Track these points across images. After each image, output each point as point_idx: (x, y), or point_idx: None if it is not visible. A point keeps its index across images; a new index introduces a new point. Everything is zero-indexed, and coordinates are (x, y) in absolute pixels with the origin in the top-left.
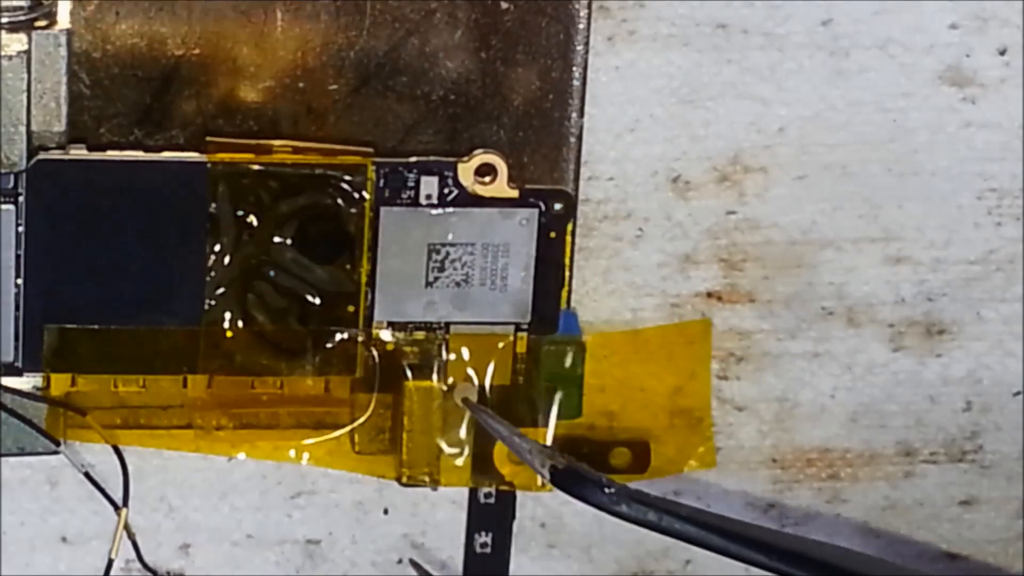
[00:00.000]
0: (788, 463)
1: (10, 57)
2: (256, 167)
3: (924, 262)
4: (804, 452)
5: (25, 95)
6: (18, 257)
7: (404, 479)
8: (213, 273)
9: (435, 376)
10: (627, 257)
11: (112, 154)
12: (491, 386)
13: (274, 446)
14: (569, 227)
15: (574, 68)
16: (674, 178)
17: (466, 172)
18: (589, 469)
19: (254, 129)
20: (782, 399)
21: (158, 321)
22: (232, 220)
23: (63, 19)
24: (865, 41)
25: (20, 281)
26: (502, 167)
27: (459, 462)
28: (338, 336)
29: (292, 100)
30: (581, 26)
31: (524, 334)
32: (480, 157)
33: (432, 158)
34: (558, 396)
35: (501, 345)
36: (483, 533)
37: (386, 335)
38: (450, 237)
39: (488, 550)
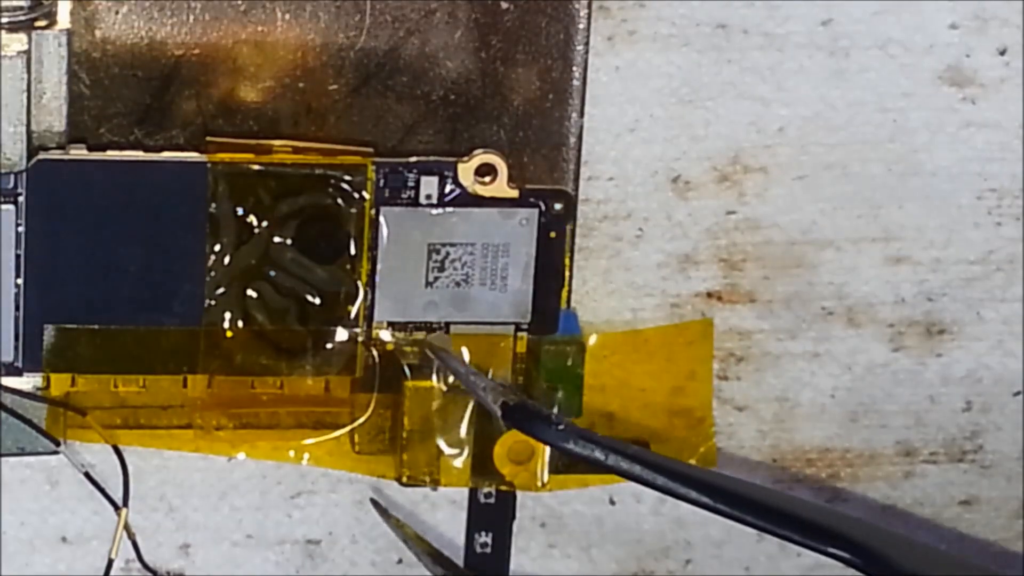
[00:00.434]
0: (788, 463)
1: (10, 57)
2: (256, 167)
3: (924, 262)
4: (804, 452)
5: (25, 95)
6: (18, 257)
7: (404, 479)
8: (213, 273)
9: (435, 376)
10: (627, 257)
11: (112, 154)
12: None
13: (274, 446)
14: (569, 227)
15: (574, 68)
16: (674, 178)
17: (466, 172)
18: (540, 406)
19: (254, 129)
20: (782, 399)
21: (158, 321)
22: (232, 220)
23: (63, 19)
24: (865, 41)
25: (20, 281)
26: (502, 167)
27: (459, 462)
28: (338, 336)
29: (292, 100)
30: (581, 26)
31: (524, 334)
32: (480, 157)
33: (432, 158)
34: (558, 396)
35: (501, 345)
36: (483, 533)
37: (386, 335)
38: (450, 237)
39: (488, 550)
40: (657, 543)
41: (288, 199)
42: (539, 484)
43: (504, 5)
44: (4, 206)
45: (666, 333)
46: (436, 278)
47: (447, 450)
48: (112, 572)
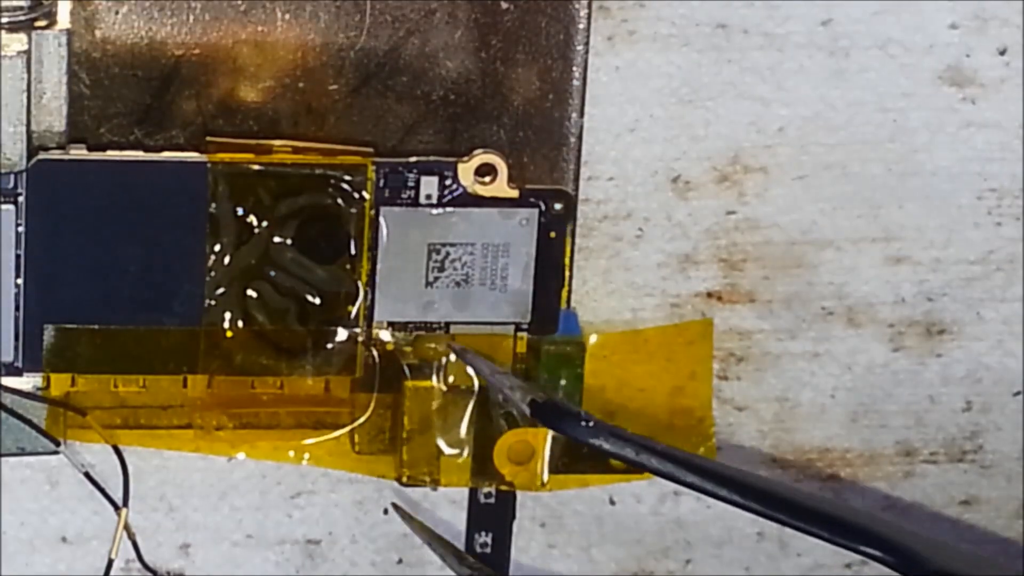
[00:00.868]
0: (788, 463)
1: (10, 57)
2: (256, 167)
3: (924, 262)
4: (804, 452)
5: (25, 95)
6: (18, 257)
7: (404, 479)
8: (213, 273)
9: (434, 376)
10: (627, 257)
11: (112, 154)
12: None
13: (274, 446)
14: (569, 227)
15: (574, 68)
16: (674, 178)
17: (466, 172)
18: (569, 403)
19: (254, 129)
20: (782, 399)
21: (158, 321)
22: (232, 220)
23: (63, 19)
24: (865, 41)
25: (20, 281)
26: (502, 167)
27: (459, 462)
28: (338, 336)
29: (292, 100)
30: (581, 26)
31: (524, 334)
32: (480, 157)
33: (432, 158)
34: (558, 396)
35: (501, 345)
36: (483, 533)
37: (386, 335)
38: (450, 237)
39: (488, 550)
40: (657, 543)
41: (288, 199)
42: (539, 484)
43: (504, 5)
44: (4, 206)
45: (666, 333)
46: (436, 278)
47: (447, 450)
48: (112, 572)
